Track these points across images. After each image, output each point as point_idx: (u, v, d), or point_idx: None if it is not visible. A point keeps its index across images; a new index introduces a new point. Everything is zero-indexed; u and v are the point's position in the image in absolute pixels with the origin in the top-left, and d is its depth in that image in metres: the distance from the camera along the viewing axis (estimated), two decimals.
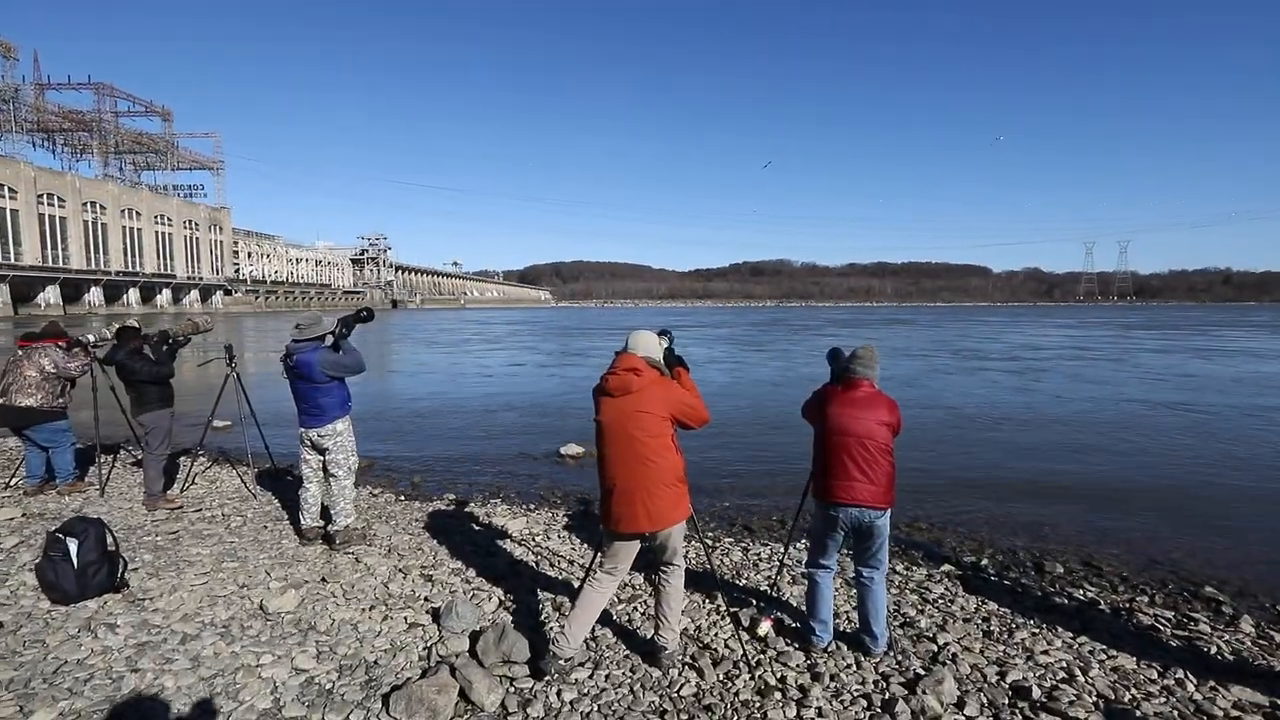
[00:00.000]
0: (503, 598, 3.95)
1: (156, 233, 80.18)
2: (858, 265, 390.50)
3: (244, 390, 6.32)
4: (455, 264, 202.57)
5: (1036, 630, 3.75)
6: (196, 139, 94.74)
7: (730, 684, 3.09)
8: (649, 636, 3.41)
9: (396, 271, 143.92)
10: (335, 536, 4.66)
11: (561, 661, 3.01)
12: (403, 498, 6.29)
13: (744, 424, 10.40)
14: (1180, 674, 3.28)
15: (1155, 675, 3.29)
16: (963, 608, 4.06)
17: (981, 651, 3.48)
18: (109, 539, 3.84)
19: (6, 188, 61.15)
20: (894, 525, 3.70)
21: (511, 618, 3.67)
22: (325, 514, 4.84)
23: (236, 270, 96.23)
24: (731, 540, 5.27)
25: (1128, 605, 4.21)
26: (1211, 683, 3.19)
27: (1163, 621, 3.96)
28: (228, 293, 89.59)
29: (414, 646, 3.30)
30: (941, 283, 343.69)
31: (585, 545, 4.97)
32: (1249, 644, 3.67)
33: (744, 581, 4.39)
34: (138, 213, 77.31)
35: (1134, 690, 3.14)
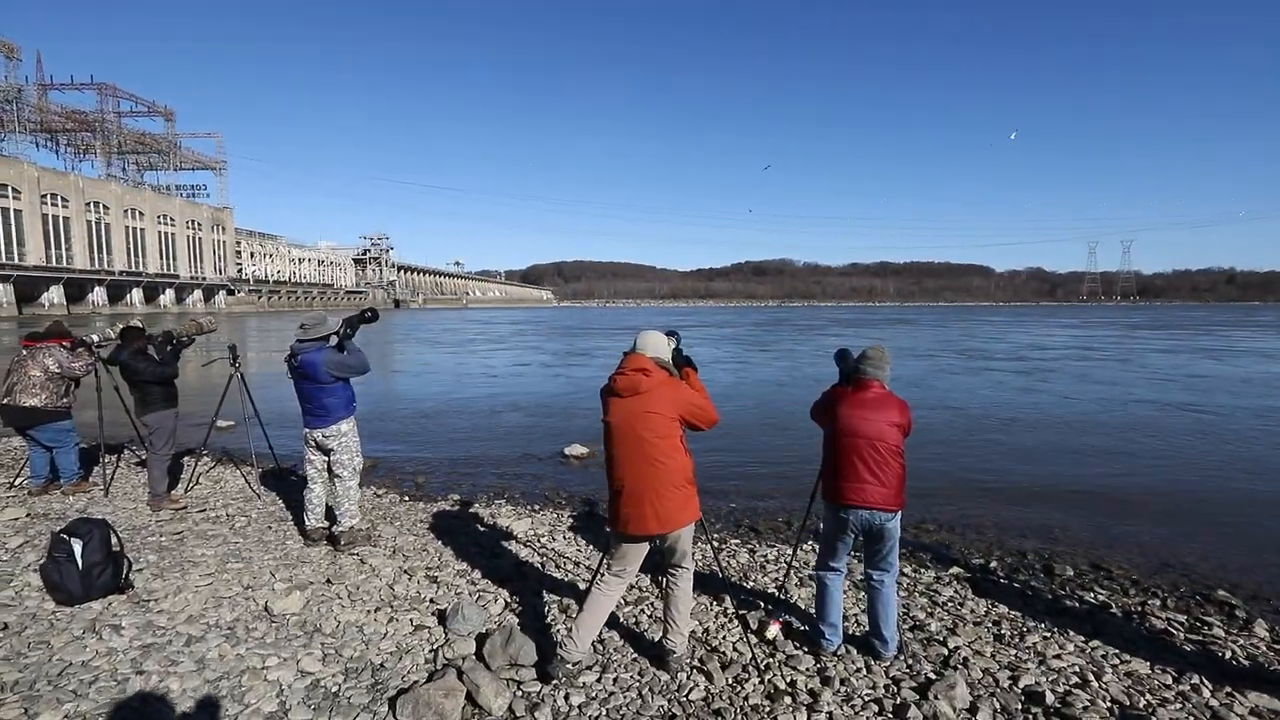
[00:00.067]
0: (508, 600, 3.92)
1: (159, 233, 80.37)
2: (860, 265, 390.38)
3: (248, 390, 6.30)
4: (457, 264, 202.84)
5: (1048, 634, 3.71)
6: (199, 139, 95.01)
7: (739, 688, 3.05)
8: (656, 639, 3.38)
9: (399, 271, 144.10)
10: (340, 537, 4.64)
11: (569, 665, 2.98)
12: (407, 498, 6.27)
13: (749, 425, 10.36)
14: (1196, 679, 3.23)
15: (1170, 680, 3.25)
16: (973, 611, 4.03)
17: (993, 655, 3.44)
18: (114, 540, 3.82)
19: (10, 188, 61.32)
20: (902, 527, 3.68)
21: (518, 620, 3.64)
22: (330, 515, 4.82)
23: (239, 270, 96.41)
24: (738, 542, 5.23)
25: (1139, 609, 4.17)
26: (1228, 688, 3.15)
27: (1176, 625, 3.92)
28: (230, 293, 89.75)
29: (420, 649, 3.28)
30: (944, 282, 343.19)
31: (591, 547, 4.94)
32: (1264, 649, 3.63)
33: (751, 584, 4.35)
34: (141, 213, 77.49)
35: (1149, 696, 3.10)
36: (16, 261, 60.38)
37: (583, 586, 4.15)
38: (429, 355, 25.15)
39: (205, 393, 10.31)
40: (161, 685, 2.91)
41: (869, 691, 3.06)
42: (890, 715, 2.88)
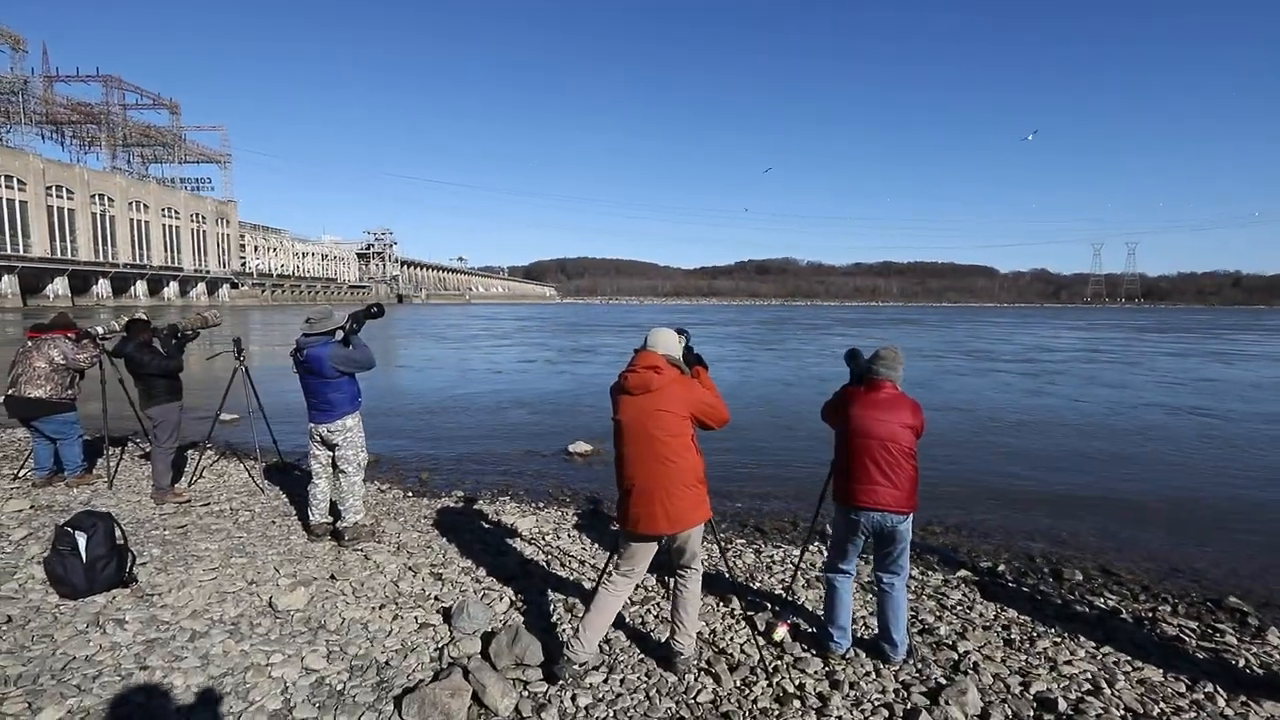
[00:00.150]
0: (514, 598, 3.89)
1: (164, 225, 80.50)
2: (863, 265, 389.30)
3: (252, 384, 6.28)
4: (461, 259, 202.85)
5: (1058, 639, 3.67)
6: (204, 132, 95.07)
7: (748, 691, 3.02)
8: (663, 640, 3.35)
9: (402, 266, 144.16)
10: (344, 533, 4.62)
11: (576, 666, 2.95)
12: (411, 494, 6.24)
13: (755, 424, 10.32)
14: (1210, 687, 3.19)
15: (1184, 689, 3.20)
16: (981, 614, 3.99)
17: (1003, 661, 3.40)
18: (118, 533, 3.79)
19: (16, 179, 61.45)
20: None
21: (523, 619, 3.61)
22: (334, 510, 4.80)
23: (243, 264, 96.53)
24: (744, 542, 5.20)
25: (1150, 615, 4.12)
26: (1243, 697, 3.11)
27: (1187, 632, 3.87)
28: (234, 286, 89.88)
29: (425, 647, 3.25)
30: (947, 283, 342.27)
31: (596, 545, 4.91)
32: (1278, 657, 3.58)
33: (758, 584, 4.32)
34: (145, 205, 77.61)
35: (1163, 704, 3.06)
36: (21, 253, 60.52)
37: (588, 585, 4.12)
38: (433, 350, 25.14)
39: (209, 386, 10.30)
40: (165, 681, 2.88)
41: (879, 696, 3.03)
42: None
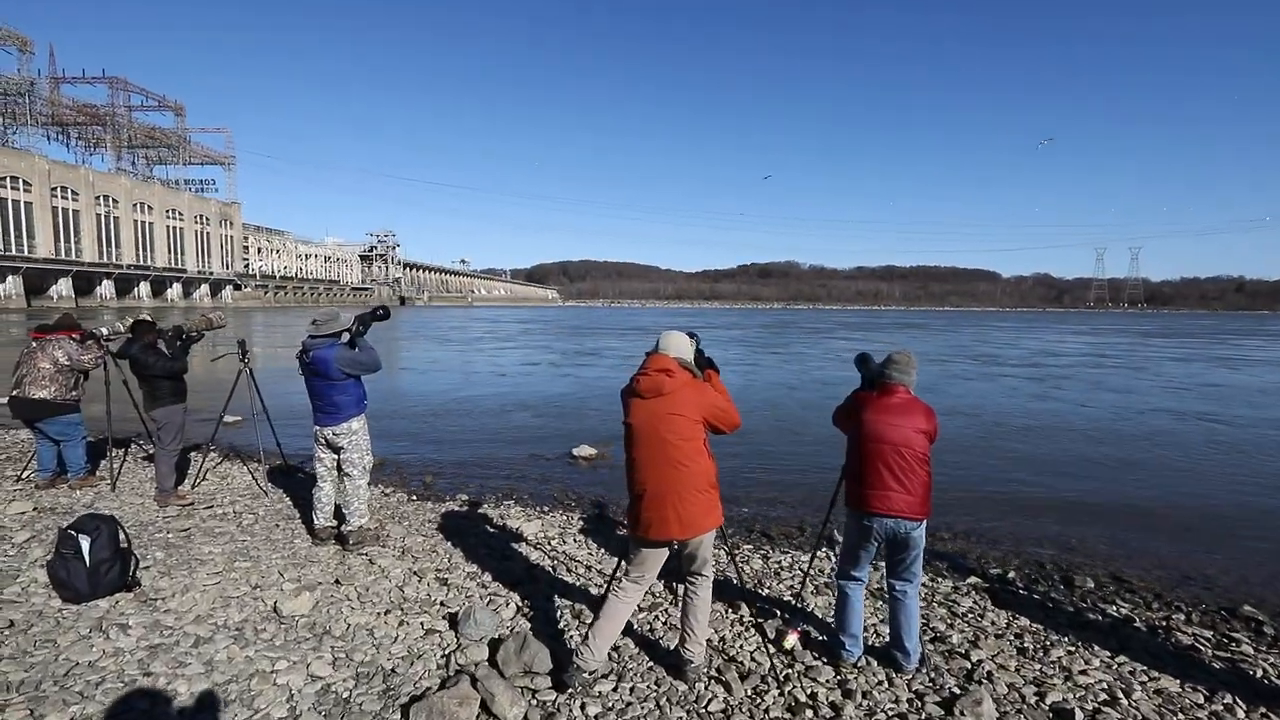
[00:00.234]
0: (520, 604, 3.85)
1: (168, 227, 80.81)
2: (865, 268, 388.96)
3: (256, 386, 6.25)
4: (463, 262, 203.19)
5: (1072, 648, 3.62)
6: (208, 134, 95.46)
7: (759, 700, 2.97)
8: (672, 648, 3.31)
9: (405, 269, 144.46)
10: (348, 537, 4.58)
11: (585, 674, 2.91)
12: (415, 498, 6.21)
13: (760, 428, 10.27)
14: (1228, 698, 3.14)
15: (1201, 700, 3.15)
16: (993, 622, 3.94)
17: (1017, 670, 3.35)
18: (121, 536, 3.76)
19: (21, 180, 61.72)
20: None
21: (530, 625, 3.57)
22: (338, 514, 4.76)
23: (246, 265, 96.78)
24: (751, 548, 5.15)
25: (1164, 623, 4.07)
26: (1262, 709, 3.06)
27: (1203, 641, 3.82)
28: (237, 287, 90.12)
29: (432, 654, 3.21)
30: (950, 287, 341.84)
31: (603, 550, 4.86)
32: None
33: (766, 591, 4.27)
34: (150, 207, 77.93)
35: (1181, 715, 3.01)
36: (26, 254, 60.76)
37: (595, 591, 4.08)
38: (437, 353, 25.13)
39: (213, 388, 10.28)
40: (169, 688, 2.84)
41: (892, 706, 2.98)
42: None
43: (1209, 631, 3.97)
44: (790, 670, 3.23)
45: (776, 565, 4.74)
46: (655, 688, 3.02)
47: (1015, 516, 6.28)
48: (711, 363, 3.14)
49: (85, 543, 3.51)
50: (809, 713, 2.89)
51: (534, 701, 2.86)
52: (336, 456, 4.57)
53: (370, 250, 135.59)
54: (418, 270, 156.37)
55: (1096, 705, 3.05)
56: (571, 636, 3.46)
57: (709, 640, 3.42)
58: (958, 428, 10.78)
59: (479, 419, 11.18)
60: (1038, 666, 3.40)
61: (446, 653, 3.21)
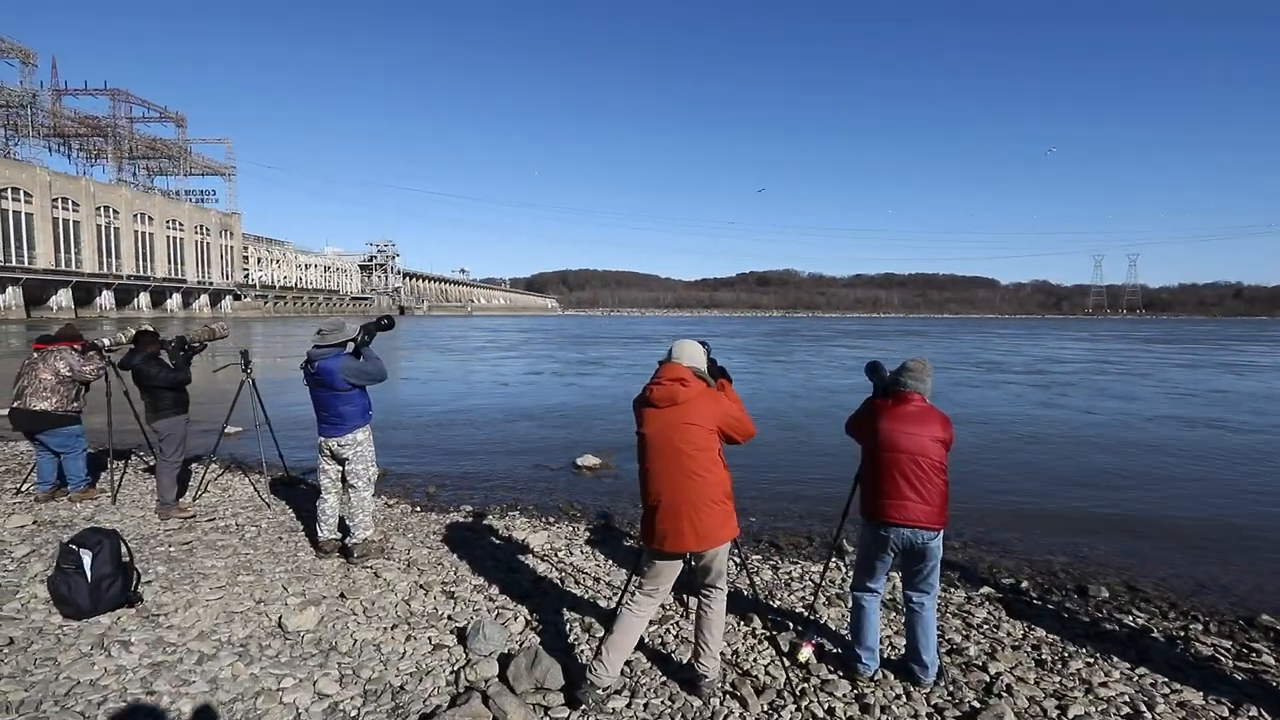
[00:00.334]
0: (529, 617, 3.79)
1: (168, 237, 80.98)
2: (864, 276, 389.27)
3: (259, 396, 6.21)
4: (462, 271, 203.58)
5: (1091, 660, 3.56)
6: (209, 145, 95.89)
7: (776, 715, 2.91)
8: (685, 661, 3.25)
9: (404, 278, 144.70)
10: (353, 550, 4.52)
11: (599, 690, 2.84)
12: (419, 509, 6.14)
13: (766, 438, 10.16)
14: (1254, 711, 3.08)
15: (1226, 713, 3.09)
16: (1009, 633, 3.88)
17: (1037, 683, 3.29)
18: (124, 550, 3.70)
19: (22, 192, 61.90)
20: None
21: (540, 639, 3.51)
22: (342, 526, 4.70)
23: (246, 275, 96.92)
24: (759, 558, 5.09)
25: (1182, 633, 4.00)
26: None
27: (1223, 652, 3.75)
28: (237, 298, 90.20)
29: (441, 670, 3.14)
30: (949, 294, 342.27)
31: (611, 562, 4.80)
32: None
33: (778, 602, 4.20)
34: (150, 217, 78.12)
35: None
36: (26, 264, 60.83)
37: (604, 604, 4.02)
38: (438, 362, 25.07)
39: (214, 399, 10.22)
40: (173, 706, 2.78)
41: None
42: None
43: (1228, 641, 3.91)
44: (806, 684, 3.17)
45: (787, 576, 4.68)
46: (670, 704, 2.95)
47: (1024, 525, 6.21)
48: (724, 371, 3.10)
49: (87, 557, 3.45)
50: None
51: (547, 719, 2.79)
52: (341, 468, 4.51)
53: (370, 260, 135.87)
54: (417, 280, 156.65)
55: (1119, 719, 2.99)
56: (583, 651, 3.40)
57: (721, 654, 3.36)
58: (964, 435, 10.64)
59: (482, 429, 11.12)
60: (1057, 679, 3.33)
61: (456, 668, 3.15)
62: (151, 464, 6.70)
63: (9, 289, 57.59)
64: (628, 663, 3.23)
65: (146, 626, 3.46)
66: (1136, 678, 3.38)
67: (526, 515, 6.10)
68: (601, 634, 3.54)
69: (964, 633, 3.85)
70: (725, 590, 2.98)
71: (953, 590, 4.55)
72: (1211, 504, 7.10)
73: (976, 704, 3.05)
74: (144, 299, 74.30)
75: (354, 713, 2.78)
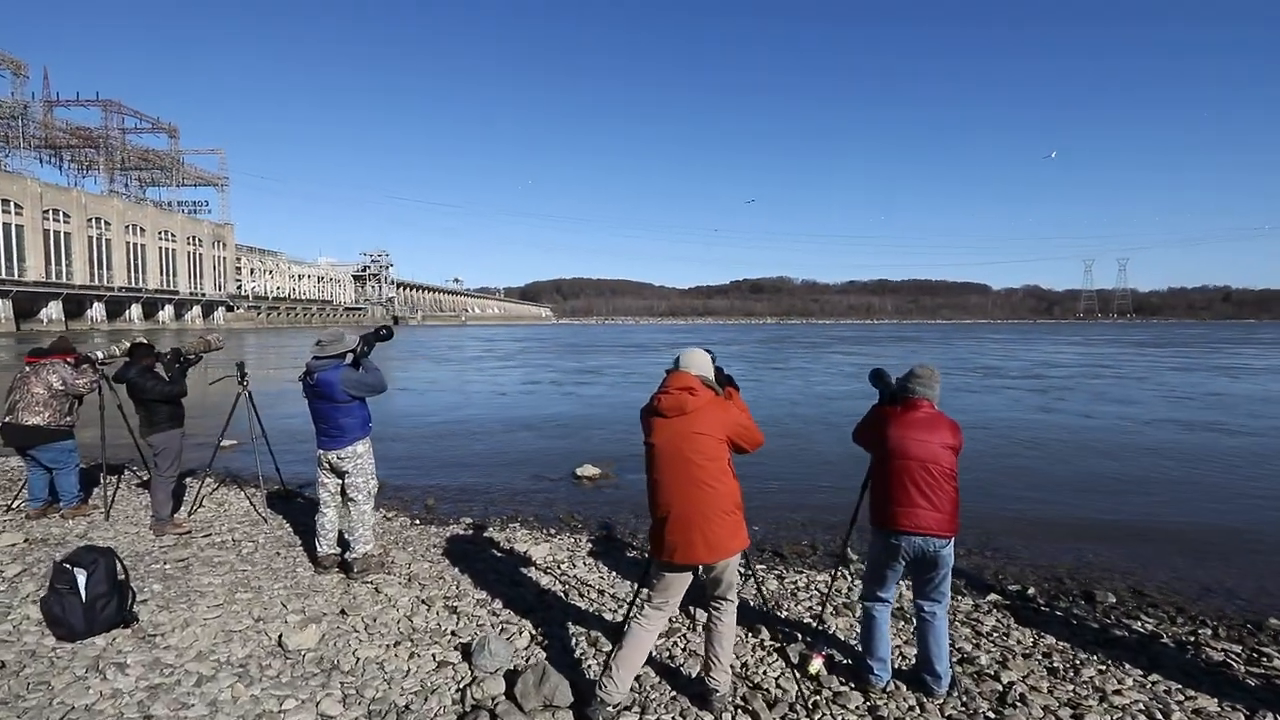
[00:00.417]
0: (534, 632, 3.72)
1: (160, 249, 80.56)
2: (857, 282, 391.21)
3: (255, 409, 6.13)
4: (456, 281, 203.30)
5: (1103, 667, 3.52)
6: (202, 155, 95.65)
7: None
8: (694, 676, 3.19)
9: (398, 288, 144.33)
10: (353, 564, 4.44)
11: (610, 707, 2.78)
12: (418, 522, 6.06)
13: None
14: (1271, 717, 3.04)
15: (1242, 719, 3.05)
16: (1019, 641, 3.84)
17: (1050, 691, 3.25)
18: (119, 569, 3.62)
19: (13, 203, 61.50)
20: None
21: (546, 655, 3.44)
22: (341, 540, 4.63)
23: (239, 286, 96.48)
24: (764, 568, 5.04)
25: (1192, 639, 3.98)
26: None
27: (1233, 657, 3.73)
28: (230, 309, 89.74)
29: (446, 688, 3.07)
30: (941, 300, 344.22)
31: (614, 574, 4.74)
32: None
33: (785, 613, 4.15)
34: (142, 229, 77.72)
35: None
36: (16, 277, 60.34)
37: (609, 617, 3.96)
38: (435, 372, 24.93)
39: (208, 411, 10.12)
40: None
41: None
42: None
43: (1238, 646, 3.89)
44: (818, 697, 3.12)
45: (793, 586, 4.63)
46: (681, 719, 2.89)
47: (1027, 531, 6.19)
48: (731, 380, 3.06)
49: (81, 577, 3.37)
50: None
51: None
52: (341, 481, 4.45)
53: (364, 270, 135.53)
54: (411, 289, 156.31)
55: None
56: (590, 666, 3.34)
57: (731, 666, 3.30)
58: (965, 441, 10.71)
59: (480, 440, 11.04)
60: (1071, 687, 3.29)
61: (461, 686, 3.08)
62: (145, 479, 6.61)
63: None
64: (637, 678, 3.17)
65: (143, 647, 3.38)
66: (1150, 685, 3.35)
67: (527, 527, 6.03)
68: (609, 648, 3.48)
69: (974, 641, 3.81)
70: (735, 602, 2.94)
71: (960, 598, 4.51)
72: (1212, 508, 7.10)
73: (991, 715, 3.01)
74: (136, 311, 73.79)
75: None
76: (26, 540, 5.07)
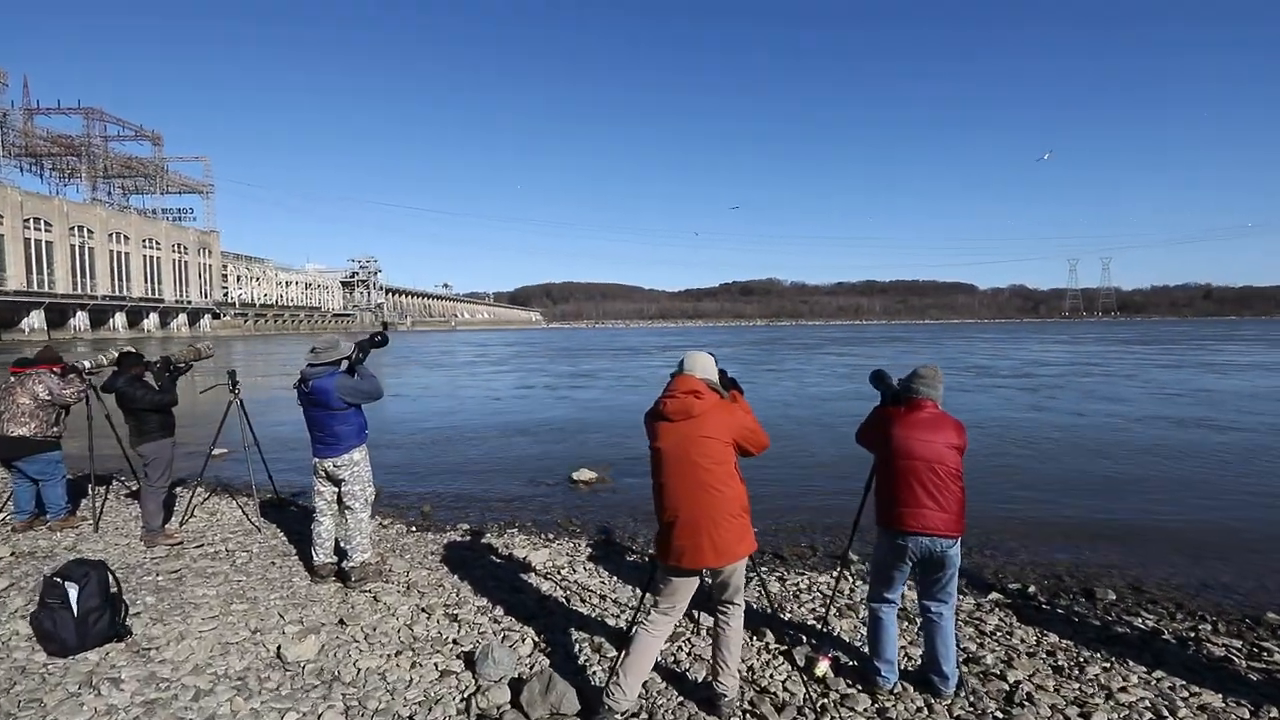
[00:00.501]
0: (536, 639, 3.68)
1: (145, 256, 79.59)
2: (846, 284, 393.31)
3: (247, 417, 6.04)
4: (446, 286, 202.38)
5: (1107, 665, 3.53)
6: (186, 163, 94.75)
7: None
8: (700, 680, 3.16)
9: (387, 294, 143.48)
10: (350, 573, 4.38)
11: (617, 715, 2.75)
12: (414, 529, 6.00)
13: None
14: (1274, 712, 3.06)
15: (1247, 715, 3.07)
16: (1023, 640, 3.84)
17: (1057, 690, 3.25)
18: (111, 581, 3.54)
19: None
20: None
21: (549, 662, 3.40)
22: (337, 549, 4.56)
23: (225, 293, 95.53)
24: (765, 570, 5.03)
25: (1193, 634, 4.00)
26: None
27: (1235, 652, 3.75)
28: (216, 316, 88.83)
29: (450, 698, 3.02)
30: (929, 300, 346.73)
31: (615, 579, 4.70)
32: None
33: (788, 615, 4.14)
34: (126, 237, 76.77)
35: None
36: None
37: (612, 622, 3.93)
38: (427, 378, 24.76)
39: (197, 420, 9.98)
40: None
41: None
42: None
43: (1238, 641, 3.91)
44: (826, 700, 3.10)
45: (794, 588, 4.62)
46: None
47: (1024, 529, 6.20)
48: (735, 382, 3.05)
49: (73, 591, 3.29)
50: None
51: None
52: (337, 489, 4.38)
53: (352, 276, 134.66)
54: (400, 295, 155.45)
55: None
56: (595, 673, 3.30)
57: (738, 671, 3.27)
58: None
59: (475, 445, 10.96)
60: (1077, 686, 3.30)
61: (466, 696, 3.03)
62: (134, 489, 6.49)
63: None
64: (644, 684, 3.13)
65: (137, 662, 3.30)
66: (1154, 681, 3.36)
67: (525, 532, 5.98)
68: (613, 654, 3.44)
69: (978, 641, 3.81)
70: (742, 606, 2.91)
71: (962, 597, 4.49)
72: (1206, 504, 7.16)
73: (999, 715, 3.00)
74: (120, 319, 72.85)
75: None
76: (13, 554, 4.96)
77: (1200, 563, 5.38)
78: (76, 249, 69.61)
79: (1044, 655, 3.64)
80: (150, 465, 5.24)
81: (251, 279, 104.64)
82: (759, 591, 4.41)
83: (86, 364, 5.80)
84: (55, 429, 5.54)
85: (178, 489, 6.70)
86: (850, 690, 3.18)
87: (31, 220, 64.48)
